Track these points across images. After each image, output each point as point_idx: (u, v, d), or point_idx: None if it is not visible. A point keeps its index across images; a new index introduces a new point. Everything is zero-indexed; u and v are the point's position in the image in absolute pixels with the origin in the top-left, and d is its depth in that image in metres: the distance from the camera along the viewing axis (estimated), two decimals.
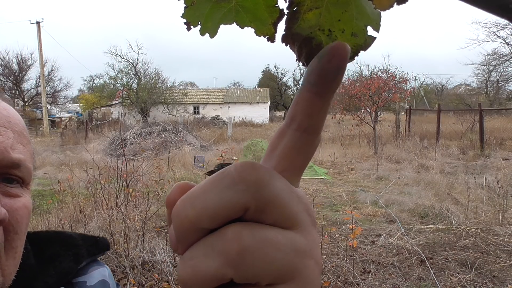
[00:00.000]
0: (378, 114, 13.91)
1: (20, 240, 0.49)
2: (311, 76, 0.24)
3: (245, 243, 0.21)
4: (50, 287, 0.56)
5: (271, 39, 0.36)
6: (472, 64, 34.04)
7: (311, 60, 0.26)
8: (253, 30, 0.36)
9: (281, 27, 0.35)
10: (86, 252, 0.63)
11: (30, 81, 37.33)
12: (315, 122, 0.25)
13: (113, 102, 34.17)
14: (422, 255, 3.95)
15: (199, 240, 0.22)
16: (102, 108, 35.72)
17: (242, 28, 0.36)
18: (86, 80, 47.34)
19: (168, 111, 31.99)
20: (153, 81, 32.36)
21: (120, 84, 32.20)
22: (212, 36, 0.37)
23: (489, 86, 36.56)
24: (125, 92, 31.13)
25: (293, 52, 0.36)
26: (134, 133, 13.87)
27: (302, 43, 0.34)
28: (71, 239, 0.64)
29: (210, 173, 0.25)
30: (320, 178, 8.59)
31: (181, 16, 0.35)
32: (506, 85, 35.22)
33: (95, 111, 32.99)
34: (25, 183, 0.52)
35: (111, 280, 0.66)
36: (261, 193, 0.22)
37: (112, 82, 32.99)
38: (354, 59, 0.36)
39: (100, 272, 0.64)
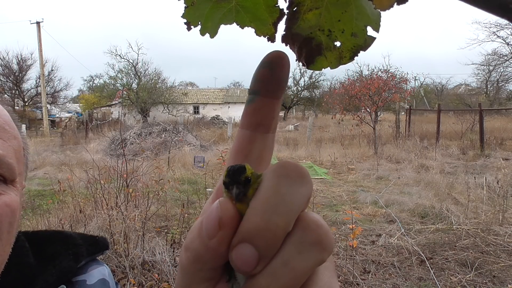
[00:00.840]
0: (378, 114, 13.91)
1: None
2: (269, 84, 0.28)
3: (325, 224, 0.23)
4: (50, 286, 0.56)
5: (271, 39, 0.36)
6: (472, 64, 34.08)
7: (311, 60, 0.26)
8: (253, 30, 0.36)
9: (281, 27, 0.35)
10: (86, 251, 0.63)
11: (30, 81, 37.38)
12: (277, 122, 0.29)
13: (113, 102, 34.16)
14: (422, 255, 3.95)
15: (283, 244, 0.23)
16: (102, 108, 35.71)
17: (242, 28, 0.36)
18: (86, 80, 47.28)
19: (168, 111, 31.99)
20: (153, 81, 32.36)
21: (120, 84, 32.20)
22: (212, 36, 0.37)
23: (489, 86, 36.55)
24: (125, 92, 31.12)
25: (293, 52, 0.36)
26: (134, 133, 13.87)
27: (302, 43, 0.34)
28: (71, 238, 0.63)
29: (228, 185, 0.25)
30: (320, 178, 8.58)
31: (182, 16, 0.35)
32: (506, 85, 35.24)
33: (95, 111, 32.97)
34: (7, 180, 0.49)
35: (110, 279, 0.65)
36: (311, 185, 0.25)
37: (112, 82, 33.01)
38: (354, 59, 0.36)
39: (100, 271, 0.64)
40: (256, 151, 0.29)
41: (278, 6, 0.35)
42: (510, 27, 27.00)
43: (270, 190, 0.23)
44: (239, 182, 0.24)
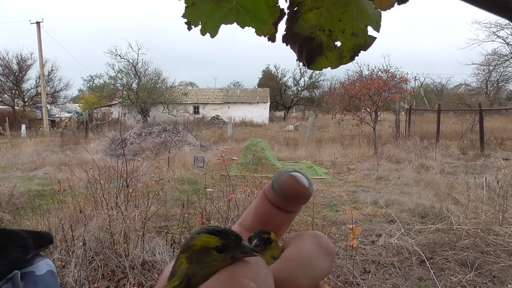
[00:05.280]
0: (378, 114, 13.90)
1: None
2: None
3: None
4: (2, 276, 0.57)
5: (272, 39, 0.36)
6: (472, 64, 34.08)
7: (312, 60, 0.26)
8: (253, 29, 0.36)
9: (282, 27, 0.35)
10: (33, 244, 0.64)
11: (30, 81, 37.39)
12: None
13: (113, 102, 34.14)
14: (422, 255, 3.95)
15: None
16: (102, 108, 35.70)
17: (243, 28, 0.36)
18: (86, 80, 47.36)
19: (168, 111, 31.98)
20: (153, 81, 32.35)
21: (120, 84, 32.19)
22: (213, 36, 0.37)
23: (489, 86, 36.55)
24: (125, 92, 31.11)
25: (293, 52, 0.36)
26: (134, 133, 13.86)
27: (302, 43, 0.34)
28: (15, 233, 0.65)
29: (252, 240, 0.27)
30: (320, 178, 8.58)
31: (182, 16, 0.35)
32: (506, 85, 35.24)
33: (95, 111, 32.96)
34: None
35: (55, 271, 0.67)
36: (334, 263, 0.27)
37: (112, 82, 32.99)
38: (354, 59, 0.36)
39: (47, 263, 0.65)
40: (274, 225, 0.30)
41: (279, 6, 0.35)
42: (510, 27, 27.01)
43: (305, 252, 0.25)
44: (262, 237, 0.27)
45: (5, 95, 35.90)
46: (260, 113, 35.62)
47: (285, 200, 0.28)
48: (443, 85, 45.63)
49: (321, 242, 0.26)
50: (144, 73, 32.91)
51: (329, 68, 0.36)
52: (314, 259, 0.25)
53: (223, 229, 0.24)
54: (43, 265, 0.64)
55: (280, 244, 0.29)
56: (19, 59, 35.23)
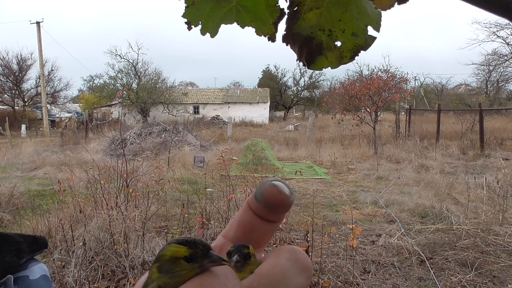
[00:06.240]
0: (378, 114, 13.90)
1: None
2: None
3: None
4: None
5: (272, 38, 0.36)
6: (472, 64, 34.08)
7: (312, 60, 0.26)
8: (253, 29, 0.36)
9: (282, 26, 0.35)
10: (27, 248, 0.64)
11: (30, 81, 37.38)
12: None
13: (113, 102, 34.15)
14: (422, 255, 3.95)
15: None
16: (102, 108, 35.70)
17: (243, 27, 0.36)
18: (86, 80, 47.36)
19: (168, 111, 31.97)
20: (153, 81, 32.35)
21: (120, 84, 32.19)
22: (213, 36, 0.37)
23: (489, 86, 36.55)
24: (125, 92, 31.11)
25: (293, 52, 0.36)
26: (134, 133, 13.86)
27: (303, 43, 0.34)
28: (9, 236, 0.64)
29: (231, 253, 0.28)
30: (320, 178, 8.58)
31: (182, 16, 0.35)
32: (506, 85, 35.24)
33: (95, 111, 32.97)
34: None
35: (49, 276, 0.67)
36: (310, 280, 0.27)
37: (112, 82, 32.99)
38: (354, 59, 0.36)
39: (41, 267, 0.65)
40: (258, 235, 0.30)
41: (279, 5, 0.35)
42: (510, 27, 27.01)
43: (278, 269, 0.25)
44: (242, 252, 0.27)
45: (5, 95, 35.91)
46: (260, 113, 35.62)
47: (268, 209, 0.29)
48: (443, 85, 45.66)
49: (297, 258, 0.26)
50: (144, 73, 32.93)
51: (329, 68, 0.36)
52: (287, 274, 0.25)
53: (192, 240, 0.25)
54: (37, 270, 0.64)
55: (263, 255, 0.29)
56: (19, 59, 35.28)
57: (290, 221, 5.09)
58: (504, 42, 29.99)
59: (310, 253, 3.46)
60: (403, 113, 19.39)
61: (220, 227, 4.32)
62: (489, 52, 34.64)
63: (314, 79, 44.03)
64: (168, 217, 5.33)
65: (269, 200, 0.28)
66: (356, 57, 0.36)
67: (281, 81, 45.60)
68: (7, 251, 0.61)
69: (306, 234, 3.60)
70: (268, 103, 36.83)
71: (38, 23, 25.07)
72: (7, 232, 0.67)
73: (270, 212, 0.29)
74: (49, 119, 27.56)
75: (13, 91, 35.70)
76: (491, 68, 34.20)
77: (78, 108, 45.04)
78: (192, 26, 0.35)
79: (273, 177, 0.30)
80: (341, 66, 0.36)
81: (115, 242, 3.72)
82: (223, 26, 0.36)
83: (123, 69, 32.11)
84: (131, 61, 32.42)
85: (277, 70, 45.88)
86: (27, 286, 0.61)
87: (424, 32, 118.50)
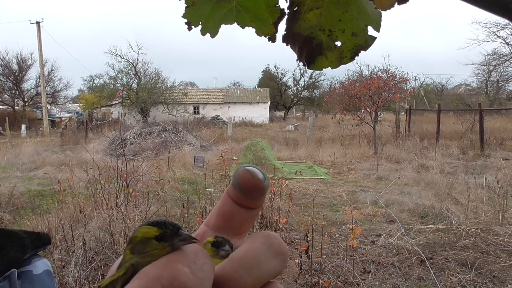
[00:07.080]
0: (378, 114, 13.90)
1: None
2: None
3: None
4: (0, 274, 0.58)
5: (272, 39, 0.36)
6: (472, 64, 34.08)
7: (312, 60, 0.26)
8: (253, 30, 0.36)
9: (282, 27, 0.35)
10: (31, 244, 0.65)
11: (30, 81, 37.37)
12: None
13: (113, 102, 34.15)
14: (422, 255, 3.95)
15: None
16: (102, 108, 35.71)
17: (243, 28, 0.36)
18: (86, 80, 47.22)
19: (168, 111, 31.97)
20: (153, 81, 32.35)
21: (120, 84, 32.18)
22: (213, 36, 0.37)
23: (489, 86, 36.55)
24: (125, 92, 31.11)
25: (293, 52, 0.36)
26: (134, 133, 13.86)
27: (303, 43, 0.34)
28: (13, 232, 0.66)
29: (215, 244, 0.29)
30: (320, 178, 8.58)
31: (182, 16, 0.35)
32: (506, 85, 35.24)
33: (95, 111, 32.97)
34: None
35: (52, 271, 0.68)
36: (286, 263, 0.27)
37: (112, 82, 32.98)
38: (354, 59, 0.36)
39: (44, 263, 0.66)
40: (237, 222, 0.31)
41: (279, 6, 0.35)
42: (510, 27, 27.02)
43: (251, 252, 0.26)
44: (229, 243, 0.29)
45: (5, 95, 35.91)
46: (260, 113, 35.62)
47: (243, 194, 0.29)
48: (443, 85, 45.66)
49: (272, 243, 0.27)
50: (144, 73, 32.92)
51: (329, 68, 0.36)
52: (261, 258, 0.25)
53: (162, 220, 0.26)
54: (40, 265, 0.65)
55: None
56: (19, 59, 35.27)
57: (290, 221, 5.09)
58: (504, 42, 30.03)
59: (310, 253, 3.46)
60: (403, 113, 19.39)
61: None
62: (489, 52, 34.67)
63: (314, 79, 44.04)
64: (168, 217, 5.33)
65: (243, 185, 0.29)
66: (356, 57, 0.36)
67: (281, 81, 45.60)
68: (11, 246, 0.62)
69: (306, 234, 3.60)
70: (268, 103, 36.84)
71: (38, 23, 25.08)
72: (11, 228, 0.68)
73: (246, 198, 0.30)
74: (49, 119, 27.57)
75: (13, 91, 35.71)
76: (491, 68, 34.22)
77: (78, 108, 45.05)
78: (192, 27, 0.35)
79: (247, 164, 0.31)
80: (341, 66, 0.37)
81: (115, 242, 3.72)
82: (223, 26, 0.36)
83: (123, 69, 32.13)
84: (131, 61, 32.43)
85: (277, 70, 45.90)
86: (30, 280, 0.61)
87: (424, 32, 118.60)
